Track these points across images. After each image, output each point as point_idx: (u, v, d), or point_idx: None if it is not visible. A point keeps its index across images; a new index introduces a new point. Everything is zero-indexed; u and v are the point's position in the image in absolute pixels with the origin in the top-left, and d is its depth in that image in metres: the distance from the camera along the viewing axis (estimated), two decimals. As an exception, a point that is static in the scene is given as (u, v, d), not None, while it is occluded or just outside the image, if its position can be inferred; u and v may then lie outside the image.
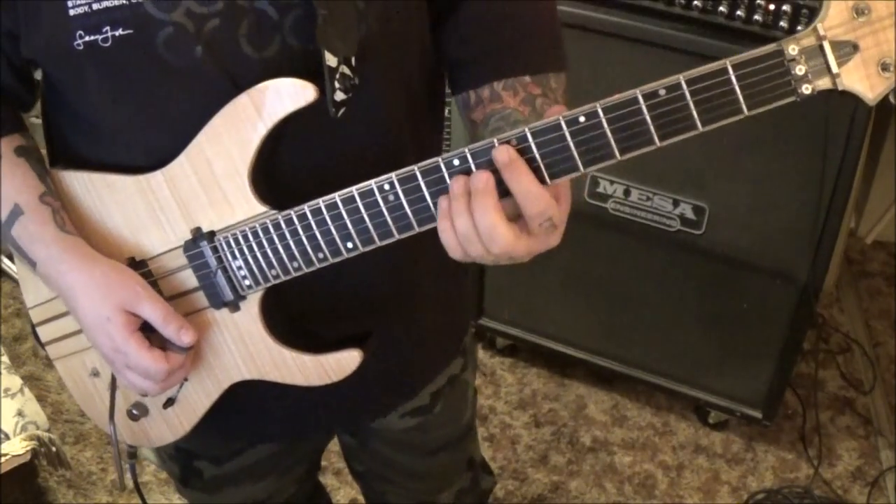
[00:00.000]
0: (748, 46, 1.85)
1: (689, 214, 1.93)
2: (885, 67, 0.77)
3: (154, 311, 0.93)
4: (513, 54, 0.97)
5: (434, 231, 0.85)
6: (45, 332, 1.06)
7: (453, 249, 0.84)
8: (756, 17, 1.68)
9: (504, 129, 0.92)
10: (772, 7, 1.66)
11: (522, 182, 0.80)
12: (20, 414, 1.85)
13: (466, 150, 0.83)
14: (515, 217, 0.82)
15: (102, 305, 0.93)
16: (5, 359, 1.98)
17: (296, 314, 1.02)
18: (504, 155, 0.80)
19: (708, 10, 1.72)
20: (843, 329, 2.56)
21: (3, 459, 1.80)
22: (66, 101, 0.94)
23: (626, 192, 1.95)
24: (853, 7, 0.76)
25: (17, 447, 1.82)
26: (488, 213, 0.80)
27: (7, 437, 1.82)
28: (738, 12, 1.69)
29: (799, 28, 1.65)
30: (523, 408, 2.36)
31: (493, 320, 2.33)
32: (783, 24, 1.67)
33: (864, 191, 2.70)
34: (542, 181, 0.82)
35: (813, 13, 1.64)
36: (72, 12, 0.84)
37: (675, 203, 1.93)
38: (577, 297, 2.18)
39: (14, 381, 1.92)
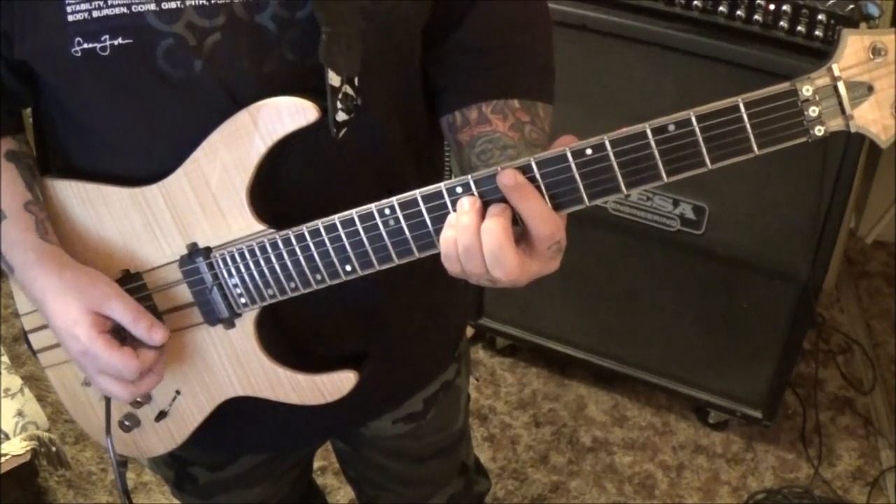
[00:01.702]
0: (748, 47, 1.84)
1: (689, 214, 1.93)
2: None
3: (123, 310, 0.91)
4: (503, 77, 0.96)
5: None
6: (37, 340, 1.05)
7: (451, 262, 0.83)
8: (756, 17, 1.68)
9: (492, 151, 0.92)
10: (772, 7, 1.66)
11: (532, 203, 0.80)
12: (20, 414, 1.85)
13: (470, 178, 0.82)
14: (519, 241, 0.81)
15: (70, 308, 0.91)
16: (5, 359, 1.98)
17: (292, 331, 1.01)
18: (511, 178, 0.79)
19: (708, 10, 1.72)
20: (843, 329, 2.56)
21: (3, 459, 1.79)
22: (61, 107, 0.93)
23: (626, 192, 1.96)
24: (870, 47, 0.74)
25: (17, 447, 1.82)
26: (497, 233, 0.79)
27: (7, 437, 1.82)
28: (738, 12, 1.69)
29: (799, 28, 1.65)
30: (523, 408, 2.36)
31: (493, 320, 2.33)
32: (783, 23, 1.66)
33: (864, 191, 2.70)
34: None
35: (813, 13, 1.64)
36: (70, 18, 0.82)
37: (675, 203, 1.93)
38: (577, 297, 2.18)
39: (14, 381, 1.92)
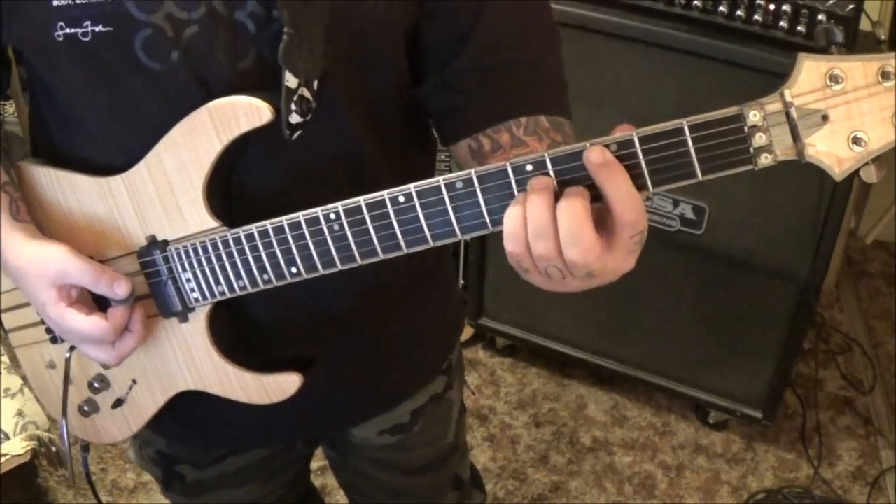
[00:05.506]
0: (748, 46, 1.83)
1: (689, 214, 1.93)
2: (856, 141, 0.70)
3: (82, 274, 0.91)
4: (526, 93, 0.93)
5: (407, 255, 0.82)
6: (9, 319, 1.06)
7: (516, 242, 0.75)
8: (756, 17, 1.68)
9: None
10: (772, 7, 1.66)
11: (622, 184, 0.73)
12: (20, 414, 1.85)
13: (546, 155, 0.76)
14: (598, 229, 0.75)
15: (38, 291, 0.92)
16: (5, 359, 1.98)
17: (246, 331, 1.01)
18: (600, 155, 0.72)
19: (708, 10, 1.72)
20: (843, 329, 2.56)
21: (3, 459, 1.79)
22: (47, 92, 0.94)
23: (626, 192, 1.96)
24: (827, 73, 0.69)
25: (17, 447, 1.82)
26: (577, 209, 0.72)
27: (7, 437, 1.82)
28: (738, 12, 1.69)
29: (799, 28, 1.65)
30: (523, 408, 2.36)
31: (493, 320, 2.33)
32: (783, 23, 1.66)
33: (864, 191, 2.70)
34: None
35: (813, 13, 1.64)
36: (55, 3, 0.84)
37: (675, 203, 1.93)
38: (576, 296, 2.16)
39: (14, 381, 1.92)
